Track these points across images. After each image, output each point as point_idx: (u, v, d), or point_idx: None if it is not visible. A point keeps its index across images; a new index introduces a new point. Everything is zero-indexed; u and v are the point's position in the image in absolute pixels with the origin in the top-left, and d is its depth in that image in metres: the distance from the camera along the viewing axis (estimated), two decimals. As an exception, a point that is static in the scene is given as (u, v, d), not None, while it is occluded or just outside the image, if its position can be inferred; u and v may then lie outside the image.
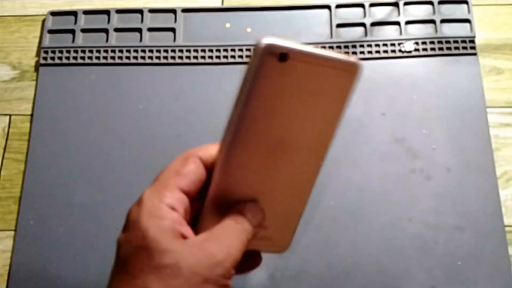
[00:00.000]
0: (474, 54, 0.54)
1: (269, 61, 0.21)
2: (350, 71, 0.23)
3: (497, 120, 0.52)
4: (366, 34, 0.55)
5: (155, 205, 0.23)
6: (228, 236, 0.24)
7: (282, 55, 0.21)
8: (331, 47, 0.55)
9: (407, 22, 0.56)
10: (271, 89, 0.22)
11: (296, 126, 0.23)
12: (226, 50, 0.55)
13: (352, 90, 0.23)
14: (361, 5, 0.56)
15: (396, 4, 0.56)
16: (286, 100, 0.22)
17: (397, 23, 0.56)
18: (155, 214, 0.23)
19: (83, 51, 0.56)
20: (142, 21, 0.57)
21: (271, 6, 0.57)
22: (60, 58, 0.56)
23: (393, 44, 0.54)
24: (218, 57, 0.55)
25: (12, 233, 0.49)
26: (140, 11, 0.57)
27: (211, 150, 0.26)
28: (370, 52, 0.54)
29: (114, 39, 0.56)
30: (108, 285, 0.22)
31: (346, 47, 0.55)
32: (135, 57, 0.55)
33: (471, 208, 0.48)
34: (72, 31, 0.57)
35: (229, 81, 0.54)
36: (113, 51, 0.56)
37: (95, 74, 0.55)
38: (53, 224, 0.49)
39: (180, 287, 0.21)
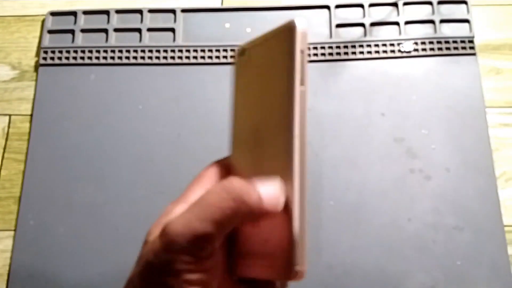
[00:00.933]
0: (473, 54, 0.54)
1: (238, 60, 0.26)
2: (288, 31, 0.23)
3: (496, 120, 0.52)
4: (365, 34, 0.55)
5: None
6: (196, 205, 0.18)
7: (242, 50, 0.26)
8: (331, 47, 0.55)
9: (407, 22, 0.55)
10: (245, 81, 0.25)
11: (264, 108, 0.24)
12: (225, 50, 0.55)
13: (294, 49, 0.23)
14: (361, 5, 0.56)
15: (395, 5, 0.56)
16: (254, 85, 0.25)
17: (397, 23, 0.55)
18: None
19: (83, 51, 0.56)
20: (141, 21, 0.57)
21: (270, 6, 0.57)
22: (59, 58, 0.56)
23: (392, 44, 0.54)
24: (217, 57, 0.55)
25: (12, 233, 0.49)
26: (139, 11, 0.57)
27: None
28: (369, 52, 0.54)
29: (114, 39, 0.56)
30: None
31: (346, 47, 0.54)
32: (135, 57, 0.55)
33: (470, 208, 0.48)
34: (72, 31, 0.57)
35: (228, 81, 0.54)
36: (113, 51, 0.55)
37: (94, 74, 0.55)
38: (52, 224, 0.49)
39: (136, 276, 0.18)
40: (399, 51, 0.54)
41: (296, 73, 0.22)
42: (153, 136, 0.52)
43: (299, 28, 0.22)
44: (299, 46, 0.22)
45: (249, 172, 0.22)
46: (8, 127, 0.54)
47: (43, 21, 0.58)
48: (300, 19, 0.22)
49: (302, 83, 0.22)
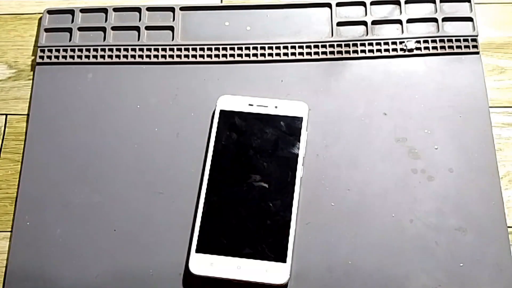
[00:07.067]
0: (477, 53, 0.53)
1: None
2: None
3: (500, 119, 0.51)
4: (367, 33, 0.55)
5: None
6: None
7: None
8: (332, 46, 0.54)
9: (409, 21, 0.55)
10: None
11: None
12: (225, 49, 0.54)
13: None
14: (362, 3, 0.56)
15: (397, 2, 0.56)
16: None
17: (399, 22, 0.55)
18: None
19: (80, 50, 0.55)
20: (140, 19, 0.57)
21: (271, 4, 0.56)
22: (57, 57, 0.55)
23: (394, 43, 0.54)
24: (217, 55, 0.54)
25: (8, 234, 0.49)
26: (138, 9, 0.57)
27: None
28: (371, 50, 0.54)
29: (112, 37, 0.56)
30: None
31: (347, 45, 0.54)
32: (133, 56, 0.55)
33: (473, 209, 0.47)
34: (69, 30, 0.56)
35: (228, 80, 0.53)
36: (111, 50, 0.55)
37: (92, 73, 0.54)
38: (49, 225, 0.48)
39: None
40: (401, 49, 0.54)
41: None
42: (151, 136, 0.51)
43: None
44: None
45: None
46: (5, 126, 0.54)
47: (40, 19, 0.58)
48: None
49: None
